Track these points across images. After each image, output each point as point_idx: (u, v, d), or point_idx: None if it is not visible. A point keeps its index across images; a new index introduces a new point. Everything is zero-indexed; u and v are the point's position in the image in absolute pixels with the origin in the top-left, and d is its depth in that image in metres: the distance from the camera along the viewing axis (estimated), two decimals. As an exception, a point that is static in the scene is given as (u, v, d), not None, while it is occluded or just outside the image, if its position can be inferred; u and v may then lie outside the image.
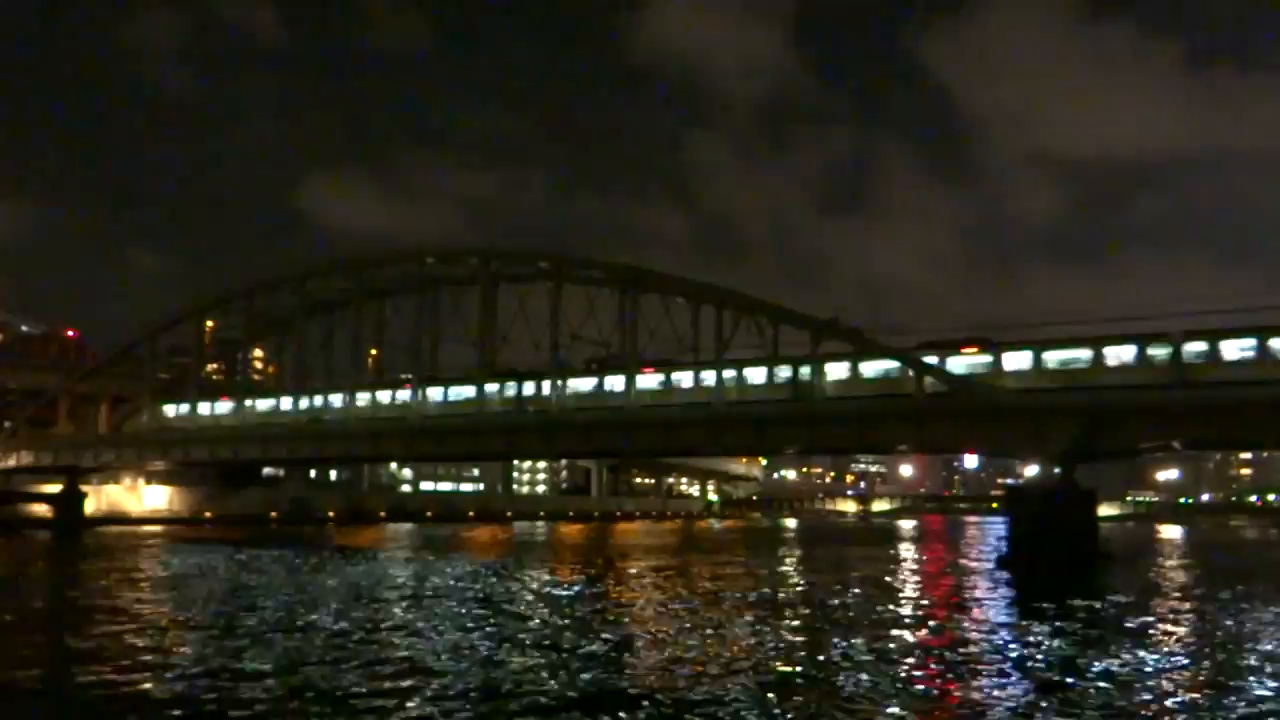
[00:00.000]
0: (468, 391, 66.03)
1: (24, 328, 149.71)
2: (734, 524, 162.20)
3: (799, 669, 18.64)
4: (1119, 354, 47.01)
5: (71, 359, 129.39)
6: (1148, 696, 16.39)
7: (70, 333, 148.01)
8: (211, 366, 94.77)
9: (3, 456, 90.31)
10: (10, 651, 20.39)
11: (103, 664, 18.21)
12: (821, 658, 19.98)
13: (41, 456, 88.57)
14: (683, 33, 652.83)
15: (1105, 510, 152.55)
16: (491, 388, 64.96)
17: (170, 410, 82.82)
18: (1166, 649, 22.24)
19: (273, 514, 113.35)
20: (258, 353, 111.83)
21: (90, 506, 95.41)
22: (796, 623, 26.01)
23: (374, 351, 79.68)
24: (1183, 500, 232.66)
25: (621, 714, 14.67)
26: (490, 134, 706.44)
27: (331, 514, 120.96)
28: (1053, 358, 48.78)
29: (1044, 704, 15.62)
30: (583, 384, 62.19)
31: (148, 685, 16.46)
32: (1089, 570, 44.83)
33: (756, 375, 55.86)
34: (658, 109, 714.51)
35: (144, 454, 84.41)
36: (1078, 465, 48.35)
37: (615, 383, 60.53)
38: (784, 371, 54.97)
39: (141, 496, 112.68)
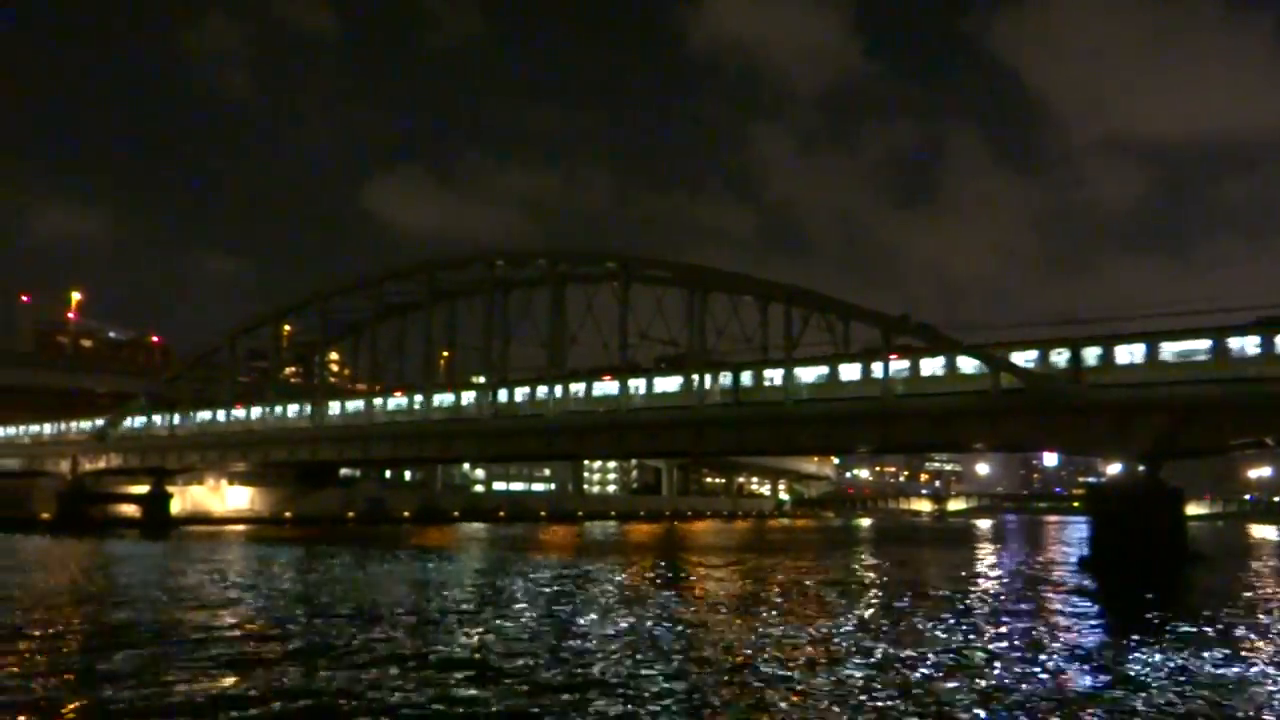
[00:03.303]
0: (538, 392, 66.31)
1: (111, 334, 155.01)
2: (806, 523, 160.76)
3: (871, 675, 18.20)
4: None
5: (157, 364, 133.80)
6: (1246, 711, 15.61)
7: (155, 338, 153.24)
8: (289, 369, 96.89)
9: (94, 458, 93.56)
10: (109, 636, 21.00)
11: (189, 658, 18.67)
12: (896, 664, 19.49)
13: (130, 458, 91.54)
14: (742, 23, 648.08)
15: (1193, 509, 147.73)
16: (561, 388, 65.15)
17: None
18: (1264, 658, 21.15)
19: (349, 514, 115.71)
20: (333, 355, 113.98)
21: (176, 507, 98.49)
22: (870, 627, 25.47)
23: (445, 353, 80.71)
24: (1277, 499, 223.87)
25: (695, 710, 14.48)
26: (550, 132, 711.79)
27: (406, 514, 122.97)
28: None
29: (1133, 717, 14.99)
30: (659, 383, 61.75)
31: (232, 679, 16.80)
32: (1177, 572, 43.28)
33: (825, 373, 55.01)
34: (718, 102, 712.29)
35: (226, 455, 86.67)
36: (1163, 463, 46.71)
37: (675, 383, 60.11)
38: (853, 370, 53.98)
39: (224, 497, 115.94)
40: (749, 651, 20.59)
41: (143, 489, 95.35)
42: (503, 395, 68.00)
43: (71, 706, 15.13)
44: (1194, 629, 24.91)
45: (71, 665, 18.72)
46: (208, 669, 18.12)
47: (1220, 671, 18.71)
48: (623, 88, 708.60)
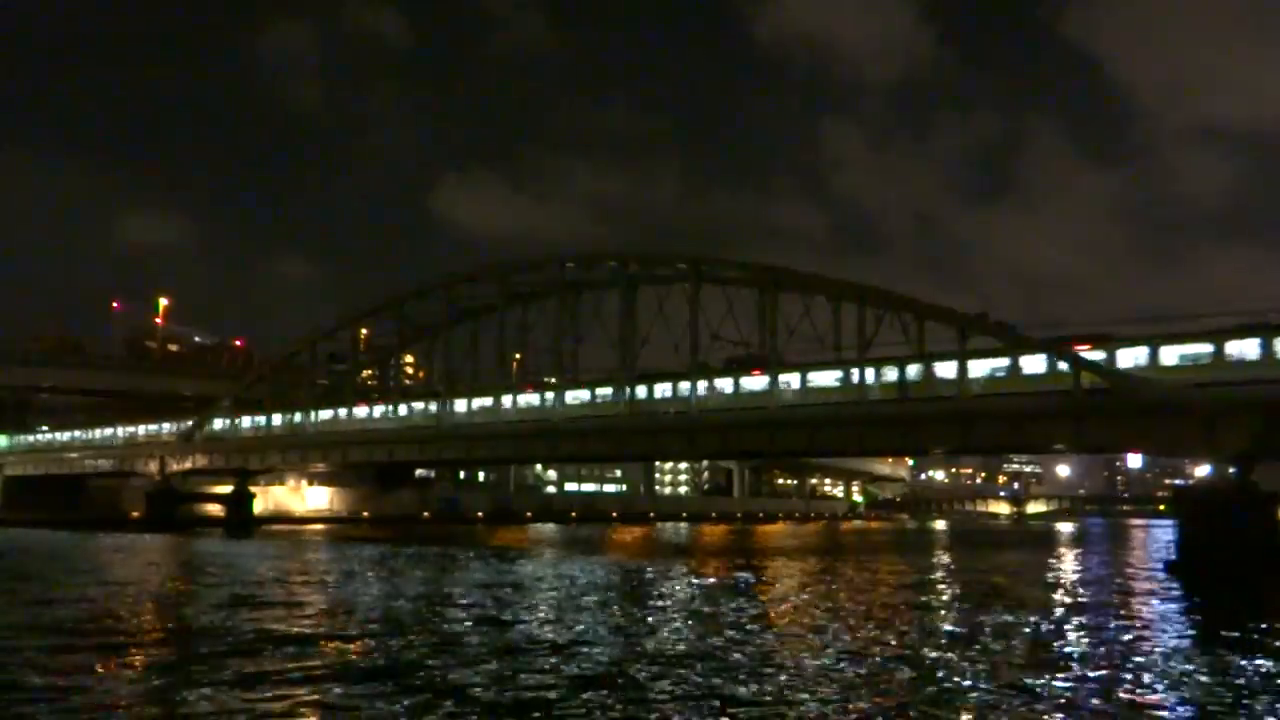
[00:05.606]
0: (609, 393, 66.53)
1: (197, 338, 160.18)
2: (880, 525, 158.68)
3: (944, 694, 17.87)
4: None
5: (240, 366, 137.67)
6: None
7: (237, 342, 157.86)
8: (366, 372, 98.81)
9: (181, 459, 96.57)
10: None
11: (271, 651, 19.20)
12: (970, 678, 19.10)
13: (215, 459, 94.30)
14: (809, 16, 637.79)
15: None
16: (632, 389, 65.23)
17: None
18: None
19: (425, 514, 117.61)
20: (408, 358, 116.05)
21: (258, 506, 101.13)
22: (946, 638, 25.02)
23: (518, 355, 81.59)
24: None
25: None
26: (619, 132, 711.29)
27: (480, 514, 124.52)
28: None
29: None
30: (723, 384, 61.63)
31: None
32: (1269, 579, 41.61)
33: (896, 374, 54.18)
34: (787, 98, 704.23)
35: (306, 456, 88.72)
36: (1256, 465, 45.02)
37: (757, 383, 59.82)
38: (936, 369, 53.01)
39: (304, 497, 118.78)
40: (828, 658, 20.41)
41: (227, 489, 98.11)
42: (574, 396, 68.44)
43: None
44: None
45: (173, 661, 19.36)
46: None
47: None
48: (690, 87, 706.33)
